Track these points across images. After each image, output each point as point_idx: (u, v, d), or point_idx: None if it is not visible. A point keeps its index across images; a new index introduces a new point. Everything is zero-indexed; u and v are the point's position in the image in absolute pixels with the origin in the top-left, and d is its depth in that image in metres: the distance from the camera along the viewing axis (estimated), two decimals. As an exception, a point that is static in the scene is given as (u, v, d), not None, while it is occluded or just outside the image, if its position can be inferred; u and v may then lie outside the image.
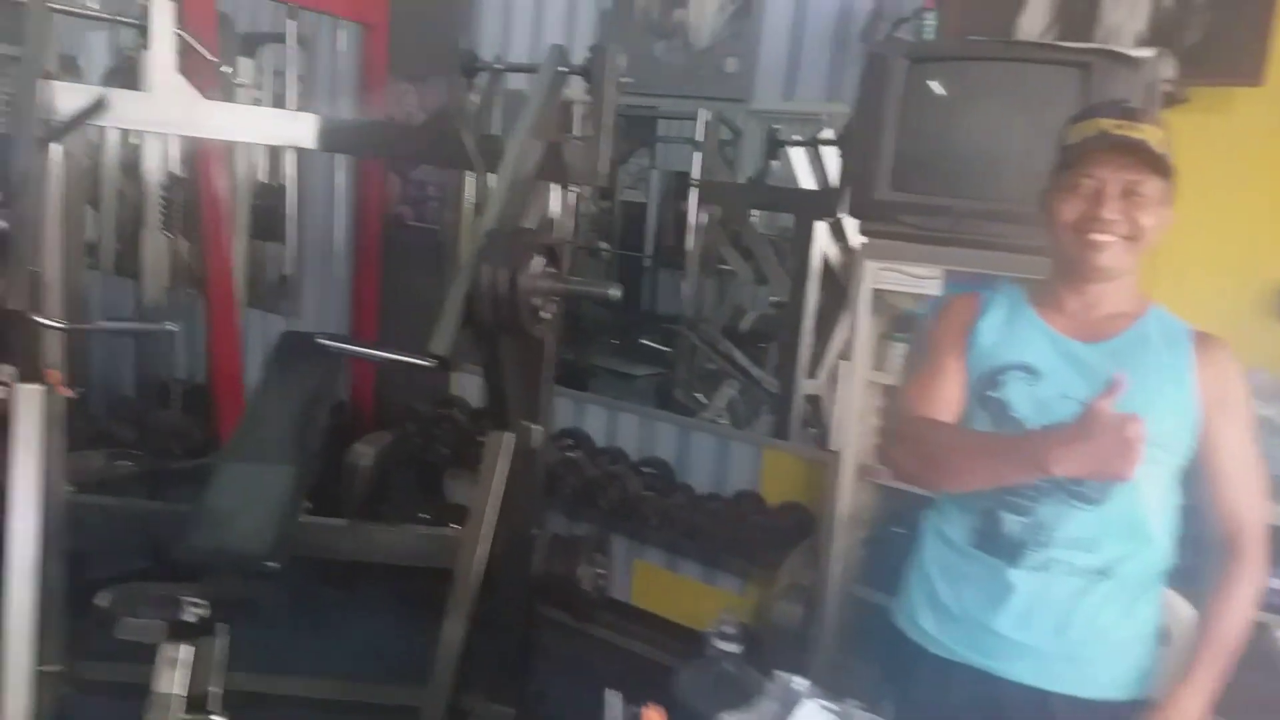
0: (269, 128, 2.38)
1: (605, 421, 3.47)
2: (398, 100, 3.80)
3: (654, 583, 3.33)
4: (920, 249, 2.08)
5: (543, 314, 1.98)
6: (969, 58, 2.05)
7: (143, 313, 3.67)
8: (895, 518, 2.25)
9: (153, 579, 3.16)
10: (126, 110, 2.19)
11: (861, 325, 2.21)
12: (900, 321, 2.26)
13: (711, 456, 3.21)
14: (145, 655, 1.66)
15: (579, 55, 2.27)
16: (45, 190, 2.12)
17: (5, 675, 2.04)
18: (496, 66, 2.38)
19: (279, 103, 3.69)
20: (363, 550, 2.45)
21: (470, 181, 3.60)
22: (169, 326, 2.08)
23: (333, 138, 2.38)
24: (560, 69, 2.24)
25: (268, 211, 4.08)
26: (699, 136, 3.26)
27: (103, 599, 1.59)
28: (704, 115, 3.23)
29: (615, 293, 1.96)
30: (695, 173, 3.30)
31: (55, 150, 2.17)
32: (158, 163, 3.68)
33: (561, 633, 2.81)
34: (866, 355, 2.22)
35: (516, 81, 2.80)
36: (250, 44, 4.06)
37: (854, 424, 2.25)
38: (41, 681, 2.08)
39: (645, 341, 3.74)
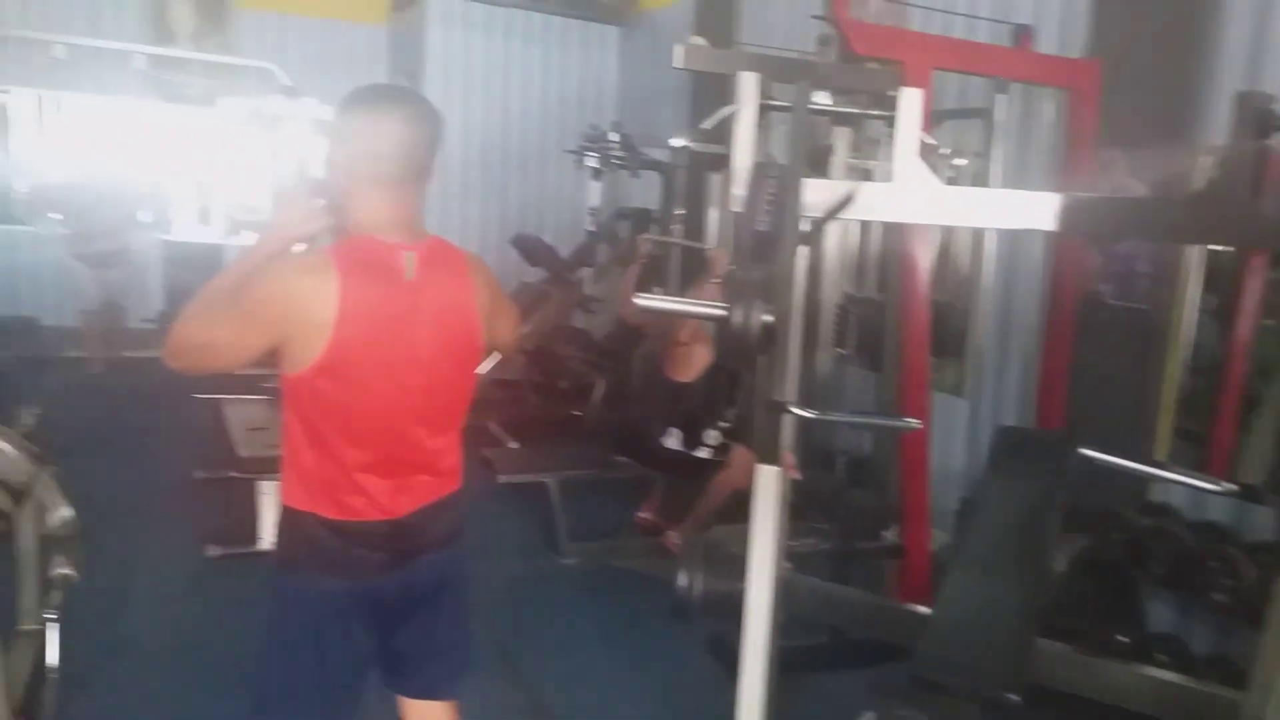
0: (1011, 211, 2.23)
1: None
2: (1105, 170, 3.45)
3: None
4: None
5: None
6: None
7: (810, 383, 3.83)
8: None
9: (835, 656, 3.26)
10: (873, 202, 2.21)
11: None
12: None
13: None
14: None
15: None
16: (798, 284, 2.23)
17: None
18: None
19: (978, 180, 3.60)
20: (1093, 687, 2.13)
21: (1197, 255, 3.10)
22: (912, 423, 2.03)
23: (1080, 218, 2.15)
24: None
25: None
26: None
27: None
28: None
29: None
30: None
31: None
32: (836, 236, 3.83)
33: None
34: None
35: None
36: (936, 119, 4.06)
37: None
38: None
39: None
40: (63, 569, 2.29)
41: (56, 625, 2.31)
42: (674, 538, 3.98)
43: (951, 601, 1.97)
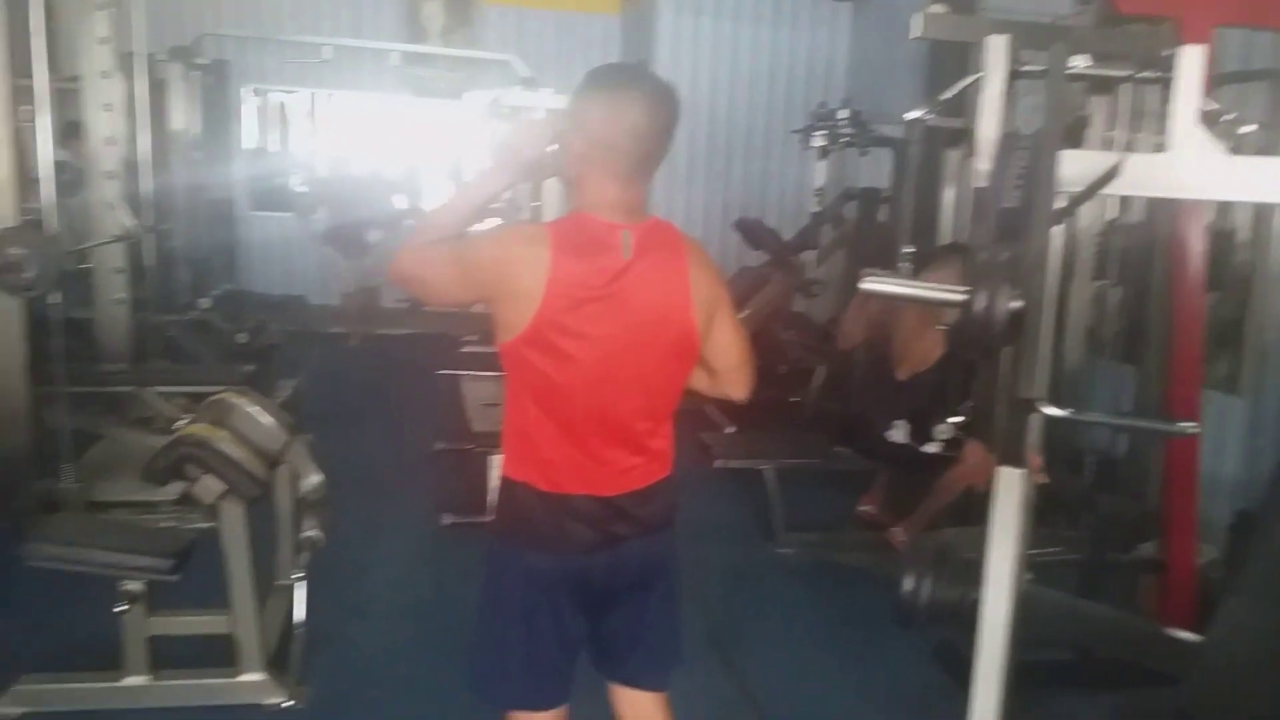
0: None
1: None
2: None
3: None
4: None
5: None
6: None
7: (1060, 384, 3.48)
8: None
9: (1081, 676, 2.97)
10: (1145, 175, 1.96)
11: None
12: None
13: None
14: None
15: None
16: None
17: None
18: None
19: (1263, 151, 3.15)
20: None
21: None
22: (1188, 428, 1.78)
23: None
24: None
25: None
26: None
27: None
28: None
29: None
30: None
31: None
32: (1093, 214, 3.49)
33: None
34: None
35: None
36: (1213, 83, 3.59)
37: None
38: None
39: None
40: (311, 531, 2.47)
41: (304, 584, 2.49)
42: (898, 534, 3.78)
43: (1230, 631, 1.72)
